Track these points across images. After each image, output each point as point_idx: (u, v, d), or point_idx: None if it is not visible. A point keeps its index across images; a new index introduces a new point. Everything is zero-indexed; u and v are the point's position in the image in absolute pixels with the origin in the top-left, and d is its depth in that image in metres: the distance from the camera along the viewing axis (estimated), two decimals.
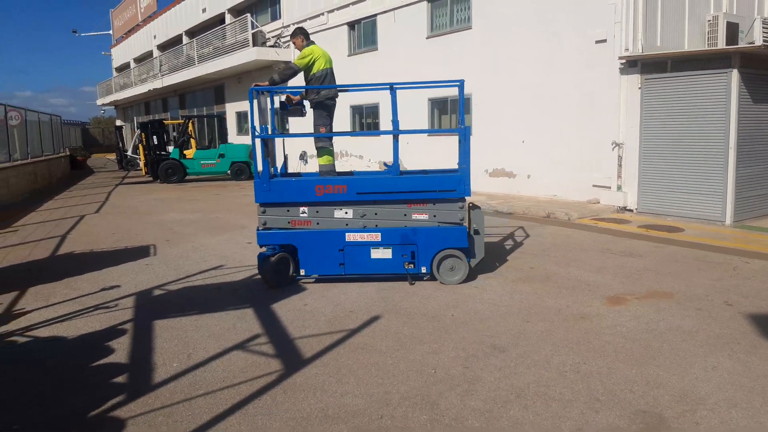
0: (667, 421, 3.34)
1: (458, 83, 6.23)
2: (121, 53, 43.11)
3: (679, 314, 5.13)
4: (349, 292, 5.99)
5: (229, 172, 19.87)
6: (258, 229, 6.30)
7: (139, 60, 38.39)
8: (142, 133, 20.26)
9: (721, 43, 11.04)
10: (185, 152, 19.98)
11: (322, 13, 18.71)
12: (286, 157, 7.44)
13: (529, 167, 12.38)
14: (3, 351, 4.71)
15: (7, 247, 9.04)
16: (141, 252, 8.33)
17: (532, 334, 4.75)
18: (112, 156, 32.34)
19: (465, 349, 4.46)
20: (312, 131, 7.01)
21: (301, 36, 7.07)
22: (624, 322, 4.95)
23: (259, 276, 6.44)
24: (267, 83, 6.54)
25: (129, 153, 23.32)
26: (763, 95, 9.34)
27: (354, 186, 6.13)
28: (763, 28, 11.71)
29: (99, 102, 45.83)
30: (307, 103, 7.06)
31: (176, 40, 31.43)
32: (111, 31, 45.06)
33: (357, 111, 17.73)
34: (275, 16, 22.15)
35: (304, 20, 19.30)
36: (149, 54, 35.80)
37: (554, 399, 3.63)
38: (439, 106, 14.61)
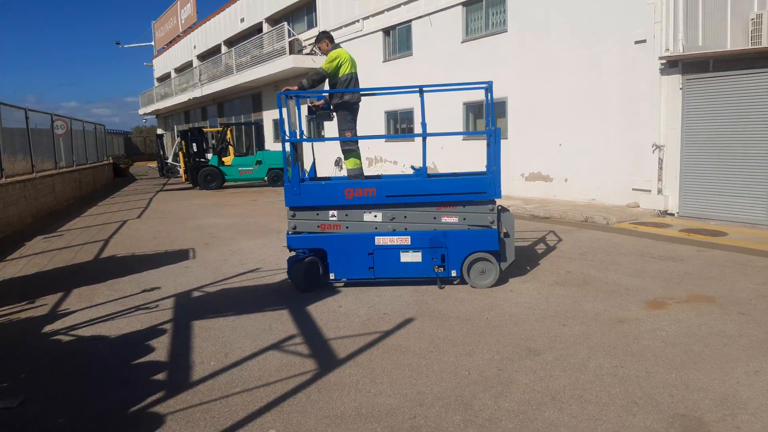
0: (706, 425, 3.26)
1: (486, 84, 6.21)
2: (162, 63, 44.28)
3: (721, 319, 4.99)
4: (383, 295, 6.02)
5: (266, 178, 20.17)
6: (288, 233, 6.37)
7: (179, 70, 39.37)
8: (182, 141, 20.73)
9: (766, 42, 10.69)
10: (224, 159, 20.36)
11: (358, 20, 18.87)
12: (314, 161, 7.49)
13: (566, 171, 12.22)
14: (49, 349, 4.88)
15: (53, 250, 9.36)
16: (180, 255, 8.52)
17: (568, 337, 4.68)
18: (153, 164, 33.20)
19: (499, 351, 4.43)
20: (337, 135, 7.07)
21: (326, 40, 7.15)
22: (664, 326, 4.84)
23: None
24: (296, 88, 6.63)
25: (170, 161, 23.88)
26: None
27: (383, 189, 6.15)
28: None
29: (141, 111, 47.15)
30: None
31: (215, 50, 32.14)
32: (153, 42, 46.32)
33: (392, 116, 17.79)
34: (311, 24, 22.46)
35: (340, 27, 19.50)
36: (189, 64, 36.68)
37: (590, 402, 3.57)
38: (474, 110, 14.56)
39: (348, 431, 3.31)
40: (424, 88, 6.21)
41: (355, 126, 7.02)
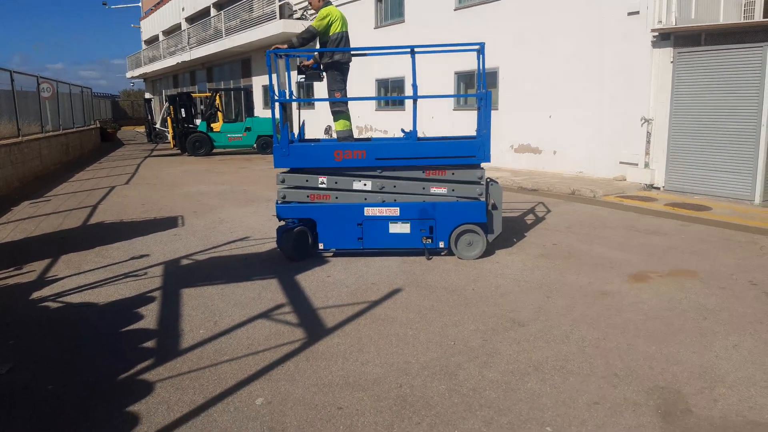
0: (685, 397, 3.36)
1: (478, 46, 6.18)
2: (150, 26, 43.39)
3: (702, 293, 5.10)
4: (371, 265, 6.07)
5: (255, 145, 20.03)
6: (277, 203, 6.37)
7: (167, 33, 38.64)
8: (171, 106, 20.49)
9: (758, 16, 10.70)
10: (212, 125, 20.18)
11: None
12: (303, 123, 7.41)
13: (555, 143, 12.24)
14: (37, 315, 4.90)
15: (40, 216, 9.31)
16: (169, 223, 8.51)
17: (552, 309, 4.77)
18: (141, 129, 32.83)
19: (485, 322, 4.51)
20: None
21: None
22: (646, 300, 4.94)
23: None
24: (286, 46, 6.54)
25: (158, 126, 23.62)
26: None
27: (373, 151, 6.14)
28: None
29: (128, 75, 46.39)
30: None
31: (204, 13, 31.51)
32: (140, 3, 45.26)
33: (382, 84, 17.64)
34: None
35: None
36: (178, 27, 35.99)
37: (572, 373, 3.67)
38: (465, 80, 14.46)
39: (335, 399, 3.38)
40: (417, 48, 6.17)
41: (346, 86, 6.93)
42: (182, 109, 20.25)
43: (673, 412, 3.21)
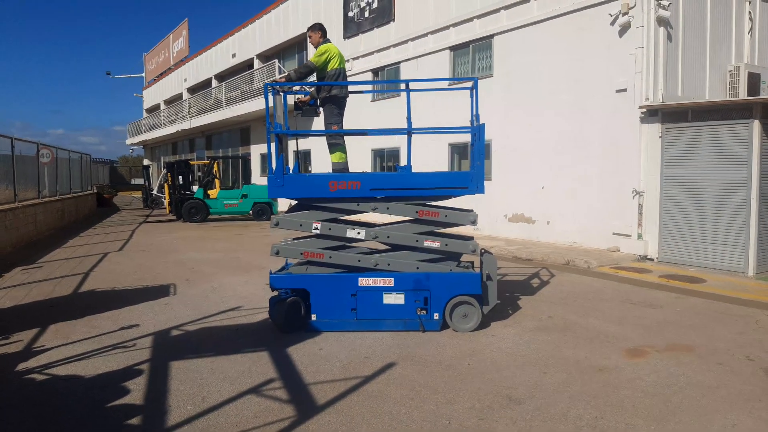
0: None
1: (472, 82, 6.45)
2: (152, 95, 44.48)
3: (699, 369, 5.03)
4: (364, 337, 5.98)
5: (251, 212, 20.13)
6: (271, 273, 6.34)
7: (169, 102, 39.57)
8: (168, 173, 20.71)
9: (743, 94, 11.08)
10: (209, 192, 20.33)
11: (348, 60, 19.17)
12: (298, 157, 7.47)
13: (549, 213, 12.35)
14: (22, 388, 4.77)
15: (31, 283, 9.22)
16: (161, 291, 8.43)
17: (549, 385, 4.68)
18: (138, 194, 33.01)
19: (480, 399, 4.41)
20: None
21: (319, 31, 7.18)
22: (643, 376, 4.86)
23: None
24: (283, 79, 6.67)
25: (154, 192, 23.80)
26: None
27: (368, 182, 6.18)
28: None
29: (128, 141, 47.13)
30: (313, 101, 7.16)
31: (206, 84, 32.38)
32: (143, 74, 46.58)
33: (378, 154, 17.95)
34: (302, 62, 22.77)
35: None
36: (179, 96, 36.88)
37: None
38: (459, 150, 14.75)
39: None
40: (411, 82, 6.53)
41: (342, 120, 7.05)
42: (180, 176, 20.46)
43: None
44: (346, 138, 7.15)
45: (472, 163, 6.35)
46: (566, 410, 4.20)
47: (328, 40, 7.16)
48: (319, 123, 7.39)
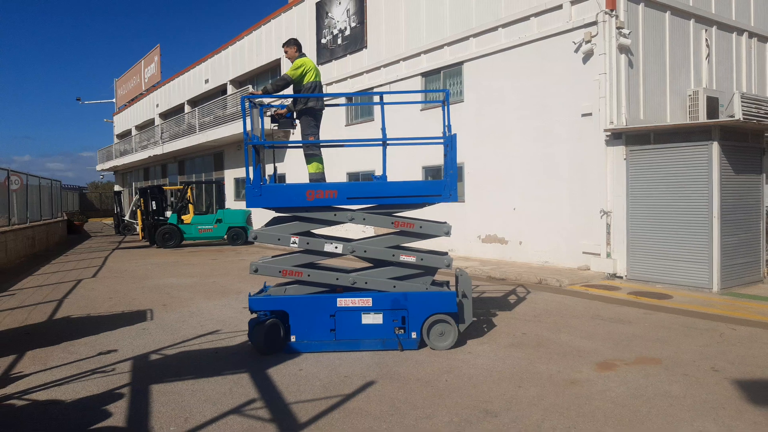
0: None
1: (443, 94, 6.68)
2: (123, 120, 44.19)
3: (666, 380, 5.25)
4: (344, 357, 6.08)
5: (225, 237, 20.08)
6: (250, 296, 6.43)
7: (140, 127, 39.36)
8: (141, 198, 20.59)
9: (702, 117, 11.59)
10: (183, 217, 20.25)
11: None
12: (275, 169, 7.60)
13: (521, 234, 12.65)
14: (1, 414, 4.76)
15: (4, 310, 9.11)
16: (138, 317, 8.41)
17: (523, 399, 4.84)
18: (109, 221, 32.60)
19: (458, 413, 4.55)
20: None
21: (294, 46, 7.38)
22: (613, 388, 5.06)
23: None
24: (260, 92, 6.84)
25: (126, 218, 23.57)
26: (744, 166, 9.75)
27: (344, 191, 6.34)
28: (742, 102, 12.28)
29: (99, 167, 46.59)
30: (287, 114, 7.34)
31: (178, 109, 32.37)
32: (114, 99, 46.31)
33: (353, 177, 18.15)
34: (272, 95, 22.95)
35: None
36: (151, 121, 36.75)
37: None
38: (432, 172, 15.03)
39: None
40: (385, 94, 6.54)
41: (318, 132, 7.22)
42: (153, 202, 20.35)
43: None
44: (323, 154, 7.33)
45: (445, 172, 6.55)
46: (540, 421, 4.37)
47: (303, 54, 7.38)
48: (295, 137, 7.53)
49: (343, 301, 6.31)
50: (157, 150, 30.22)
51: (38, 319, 8.41)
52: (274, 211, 6.69)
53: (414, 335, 6.31)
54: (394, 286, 6.34)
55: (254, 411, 4.68)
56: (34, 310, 9.07)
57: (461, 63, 14.07)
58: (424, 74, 15.27)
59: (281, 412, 4.65)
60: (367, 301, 6.31)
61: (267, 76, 24.22)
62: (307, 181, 7.21)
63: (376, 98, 16.70)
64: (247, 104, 6.49)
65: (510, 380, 5.31)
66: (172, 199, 24.40)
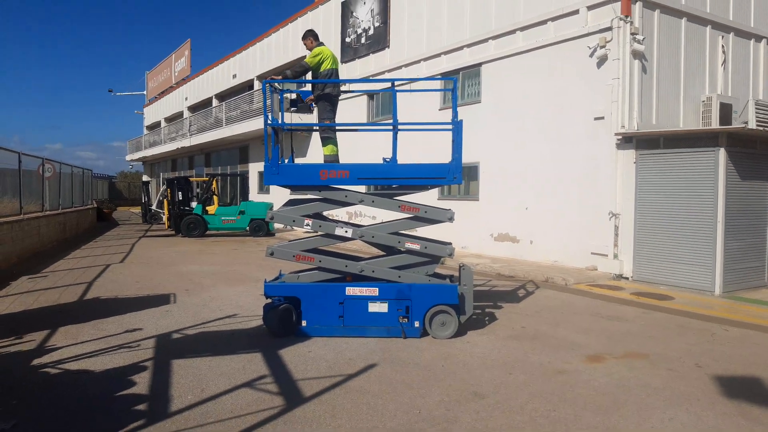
0: None
1: (452, 81, 7.10)
2: (153, 112, 45.26)
3: (650, 373, 5.58)
4: (350, 342, 6.52)
5: (248, 228, 20.68)
6: (266, 282, 6.90)
7: (169, 119, 40.32)
8: (168, 189, 21.29)
9: (715, 123, 11.74)
10: (207, 208, 20.89)
11: (344, 83, 19.88)
12: (293, 151, 8.07)
13: (532, 233, 12.94)
14: (37, 380, 5.29)
15: (38, 290, 9.74)
16: (162, 299, 8.96)
17: (512, 384, 5.22)
18: (137, 209, 33.54)
19: (449, 394, 4.95)
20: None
21: (311, 38, 7.84)
22: (598, 378, 5.41)
23: None
24: (281, 77, 7.32)
25: (154, 207, 24.34)
26: (750, 172, 9.93)
27: (355, 171, 6.79)
28: (756, 109, 12.41)
29: (128, 157, 47.80)
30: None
31: (206, 103, 33.14)
32: (145, 92, 47.41)
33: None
34: (300, 84, 23.48)
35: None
36: (180, 114, 37.63)
37: None
38: None
39: None
40: (397, 82, 6.94)
41: (334, 116, 7.67)
42: (179, 192, 21.04)
43: None
44: (339, 144, 7.78)
45: (452, 155, 6.90)
46: (524, 404, 4.75)
47: (321, 44, 7.83)
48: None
49: (351, 290, 6.74)
50: (185, 142, 31.02)
51: (70, 299, 9.00)
52: (289, 190, 7.14)
53: (417, 324, 6.72)
54: (399, 276, 6.75)
55: (264, 385, 5.14)
56: (66, 291, 9.68)
57: (479, 64, 14.38)
58: (444, 74, 15.59)
59: (289, 387, 5.10)
60: (374, 291, 6.73)
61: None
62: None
63: (398, 95, 17.07)
64: (268, 89, 6.94)
65: (502, 368, 5.69)
66: (198, 190, 25.10)
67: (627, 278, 10.72)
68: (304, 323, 6.77)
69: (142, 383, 5.19)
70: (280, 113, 7.37)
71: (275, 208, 7.30)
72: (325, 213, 7.23)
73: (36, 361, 5.81)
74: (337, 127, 7.79)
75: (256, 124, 22.74)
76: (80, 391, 4.98)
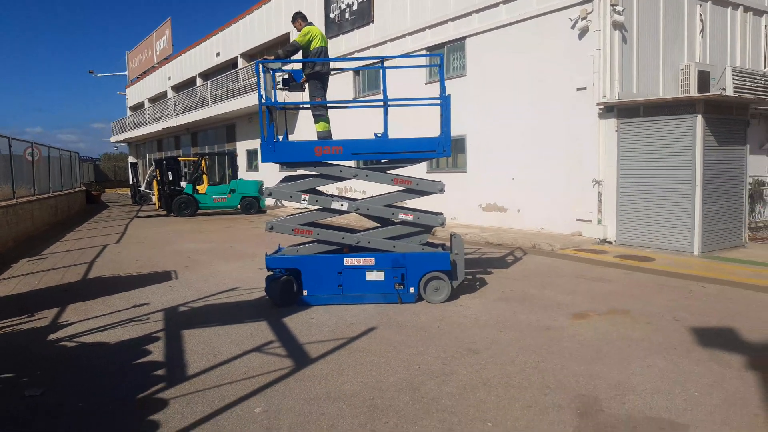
0: (600, 402, 4.20)
1: (438, 57, 7.46)
2: (136, 93, 44.85)
3: (630, 327, 6.00)
4: (350, 309, 6.88)
5: (239, 206, 20.91)
6: (266, 255, 7.22)
7: (153, 100, 40.03)
8: (157, 169, 21.41)
9: (693, 91, 12.11)
10: (198, 187, 21.07)
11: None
12: (287, 129, 8.35)
13: (519, 202, 13.34)
14: (57, 352, 5.60)
15: (40, 272, 9.98)
16: (164, 276, 9.25)
17: (503, 341, 5.62)
18: (124, 191, 33.55)
19: (445, 351, 5.33)
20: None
21: (299, 19, 8.15)
22: (582, 332, 5.82)
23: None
24: (273, 57, 7.57)
25: (143, 188, 24.45)
26: (726, 138, 10.33)
27: (349, 147, 7.09)
28: (734, 75, 12.80)
29: (113, 139, 47.51)
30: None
31: (190, 82, 32.97)
32: (126, 72, 46.90)
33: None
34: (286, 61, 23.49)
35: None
36: (164, 94, 37.39)
37: (513, 386, 4.50)
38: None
39: (319, 408, 4.16)
40: (386, 59, 7.29)
41: (325, 94, 7.95)
42: (169, 172, 21.17)
43: (589, 412, 4.04)
44: (331, 121, 8.04)
45: (441, 129, 7.20)
46: (515, 357, 5.14)
47: (310, 23, 8.10)
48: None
49: (349, 260, 7.08)
50: (170, 122, 30.98)
51: (73, 279, 9.27)
52: (285, 167, 7.40)
53: (412, 290, 7.09)
54: (394, 246, 7.10)
55: (272, 349, 5.49)
56: (68, 271, 9.94)
57: (464, 38, 14.60)
58: (429, 48, 15.79)
59: (295, 350, 5.45)
60: (371, 261, 7.08)
61: (277, 49, 24.71)
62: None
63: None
64: (260, 69, 7.17)
65: (493, 327, 6.08)
66: (185, 170, 25.20)
67: (611, 242, 11.16)
68: (305, 293, 7.11)
69: (157, 352, 5.52)
70: (273, 92, 7.60)
71: (269, 185, 7.57)
72: (318, 188, 7.53)
73: (51, 336, 6.11)
74: (328, 105, 8.05)
75: (242, 102, 22.83)
76: (100, 361, 5.30)
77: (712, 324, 6.12)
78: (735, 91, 12.48)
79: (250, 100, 22.02)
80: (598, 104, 11.23)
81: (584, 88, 11.58)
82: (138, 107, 43.62)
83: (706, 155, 9.97)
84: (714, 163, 10.15)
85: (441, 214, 7.29)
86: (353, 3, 18.86)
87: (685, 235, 10.12)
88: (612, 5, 11.12)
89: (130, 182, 25.49)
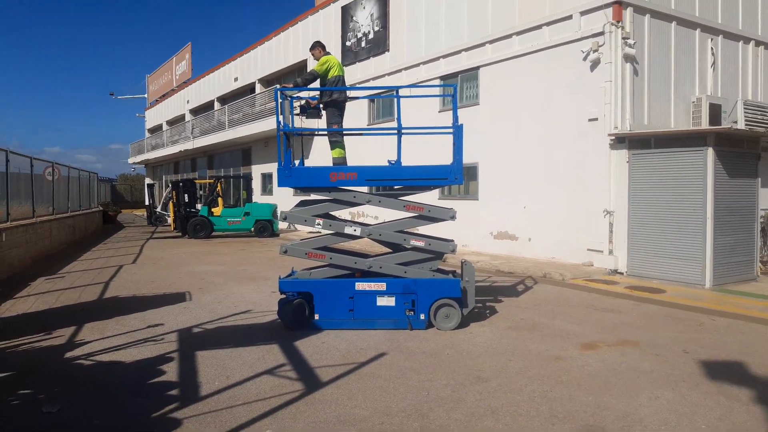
0: None
1: (452, 86, 7.60)
2: (155, 115, 45.68)
3: (639, 358, 6.03)
4: (360, 334, 6.97)
5: (252, 229, 21.12)
6: (280, 278, 7.35)
7: (171, 122, 40.74)
8: (174, 191, 21.73)
9: (705, 123, 12.21)
10: (213, 210, 21.34)
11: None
12: (303, 154, 8.52)
13: (530, 231, 13.40)
14: (73, 370, 5.73)
15: (58, 290, 10.17)
16: (178, 297, 9.40)
17: (512, 369, 5.67)
18: (140, 212, 33.97)
19: (454, 378, 5.40)
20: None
21: (319, 47, 8.41)
22: (591, 363, 5.86)
23: None
24: (292, 85, 7.76)
25: (159, 209, 24.78)
26: (738, 171, 10.38)
27: (363, 173, 7.26)
28: (745, 108, 12.88)
29: (131, 160, 48.25)
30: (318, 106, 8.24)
31: (208, 106, 33.56)
32: (146, 95, 47.84)
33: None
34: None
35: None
36: (182, 117, 38.05)
37: (521, 415, 4.55)
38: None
39: (329, 431, 4.24)
40: (400, 90, 7.64)
41: (342, 121, 8.15)
42: (185, 194, 21.48)
43: None
44: (347, 148, 8.22)
45: (453, 157, 7.34)
46: (524, 386, 5.20)
47: (328, 53, 8.36)
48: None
49: (360, 285, 7.19)
50: (188, 145, 31.47)
51: (90, 298, 9.44)
52: (300, 191, 7.57)
53: (422, 317, 7.16)
54: (405, 272, 7.20)
55: (284, 372, 5.58)
56: (85, 291, 10.12)
57: (477, 68, 14.84)
58: (443, 77, 16.05)
59: (306, 374, 5.54)
60: (382, 286, 7.18)
61: (294, 75, 25.16)
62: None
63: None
64: (279, 96, 7.39)
65: (503, 355, 6.14)
66: (201, 192, 25.52)
67: (621, 273, 11.17)
68: (316, 317, 7.21)
69: (171, 372, 5.63)
70: (290, 118, 7.81)
71: (283, 209, 7.74)
72: (332, 213, 7.68)
73: (68, 354, 6.25)
74: (344, 132, 8.24)
75: (259, 126, 23.20)
76: (115, 379, 5.42)
77: (722, 357, 6.12)
78: (746, 125, 12.56)
79: (267, 124, 22.39)
80: (610, 135, 11.35)
81: (596, 119, 11.71)
82: (156, 129, 44.39)
83: (717, 188, 10.01)
84: (725, 196, 10.18)
85: (452, 241, 7.40)
86: (369, 32, 19.25)
87: (696, 268, 10.12)
88: (623, 38, 11.30)
89: (147, 203, 25.80)
